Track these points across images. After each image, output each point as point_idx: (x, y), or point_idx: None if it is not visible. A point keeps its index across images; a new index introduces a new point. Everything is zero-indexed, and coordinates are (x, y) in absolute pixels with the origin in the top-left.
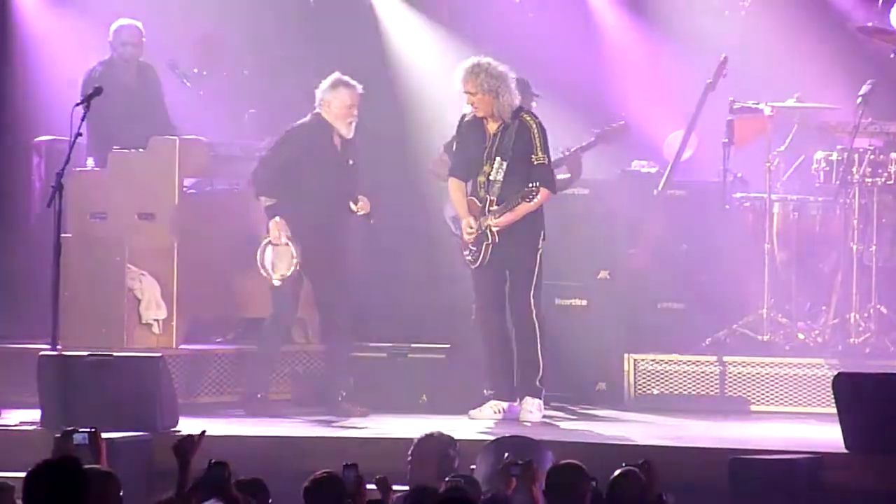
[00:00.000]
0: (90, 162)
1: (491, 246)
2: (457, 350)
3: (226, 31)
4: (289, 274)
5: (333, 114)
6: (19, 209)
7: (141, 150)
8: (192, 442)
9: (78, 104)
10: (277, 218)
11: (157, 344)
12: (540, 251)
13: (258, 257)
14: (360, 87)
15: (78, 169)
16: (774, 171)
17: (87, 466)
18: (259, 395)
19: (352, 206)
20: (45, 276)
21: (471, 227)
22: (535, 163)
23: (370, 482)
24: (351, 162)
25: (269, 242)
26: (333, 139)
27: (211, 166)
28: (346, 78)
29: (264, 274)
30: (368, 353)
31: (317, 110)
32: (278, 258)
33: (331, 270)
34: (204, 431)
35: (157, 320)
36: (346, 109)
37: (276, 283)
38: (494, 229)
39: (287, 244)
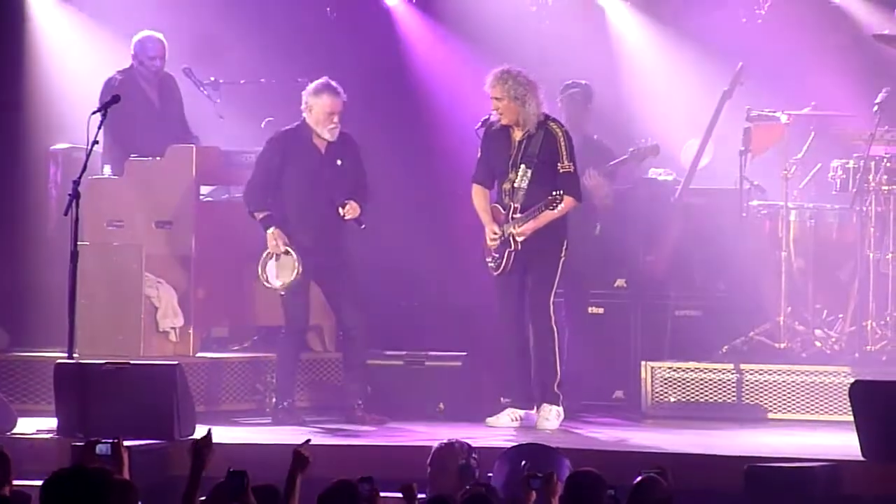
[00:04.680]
0: (107, 170)
1: (513, 253)
2: (473, 358)
3: (243, 40)
4: (291, 281)
5: (314, 118)
6: (36, 217)
7: (158, 158)
8: (206, 442)
9: (94, 112)
10: (272, 228)
11: (174, 352)
12: (563, 259)
13: (259, 270)
14: (344, 95)
15: (94, 177)
16: (791, 179)
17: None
18: (285, 404)
19: (339, 210)
20: (61, 284)
21: (494, 234)
22: (562, 171)
23: (386, 491)
24: (339, 162)
25: (269, 253)
26: (313, 141)
27: (227, 174)
28: (333, 84)
29: (267, 286)
30: (385, 361)
31: (304, 114)
32: (280, 268)
33: (334, 274)
34: (210, 430)
35: (173, 328)
36: (325, 116)
37: (282, 292)
38: (519, 238)
39: (287, 252)
